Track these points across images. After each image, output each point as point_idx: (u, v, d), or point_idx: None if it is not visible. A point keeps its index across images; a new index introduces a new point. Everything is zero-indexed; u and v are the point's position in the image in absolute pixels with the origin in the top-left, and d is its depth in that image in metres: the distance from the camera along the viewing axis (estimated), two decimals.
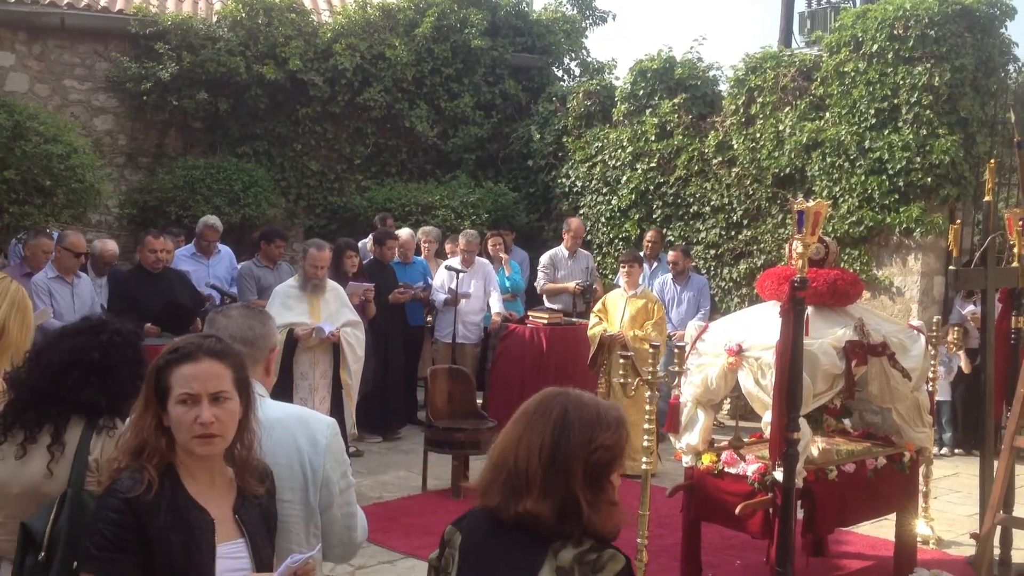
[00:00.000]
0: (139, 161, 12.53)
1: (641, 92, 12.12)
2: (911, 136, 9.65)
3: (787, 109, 10.70)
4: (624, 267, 8.97)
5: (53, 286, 7.73)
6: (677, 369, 6.07)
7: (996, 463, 5.54)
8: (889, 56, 9.84)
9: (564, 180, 12.89)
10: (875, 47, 9.91)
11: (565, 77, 15.10)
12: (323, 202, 13.27)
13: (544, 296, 10.77)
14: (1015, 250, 6.11)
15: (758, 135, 10.85)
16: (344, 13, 13.38)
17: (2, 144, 8.40)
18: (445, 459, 7.98)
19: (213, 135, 12.76)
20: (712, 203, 11.25)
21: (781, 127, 10.64)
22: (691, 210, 11.49)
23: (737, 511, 5.34)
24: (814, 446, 5.76)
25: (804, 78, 10.70)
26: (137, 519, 2.34)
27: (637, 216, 11.94)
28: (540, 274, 10.76)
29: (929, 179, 9.58)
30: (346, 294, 7.85)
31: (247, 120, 12.76)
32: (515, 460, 2.24)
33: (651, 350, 6.46)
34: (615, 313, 8.85)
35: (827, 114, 10.36)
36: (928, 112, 9.60)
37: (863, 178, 9.93)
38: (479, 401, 8.82)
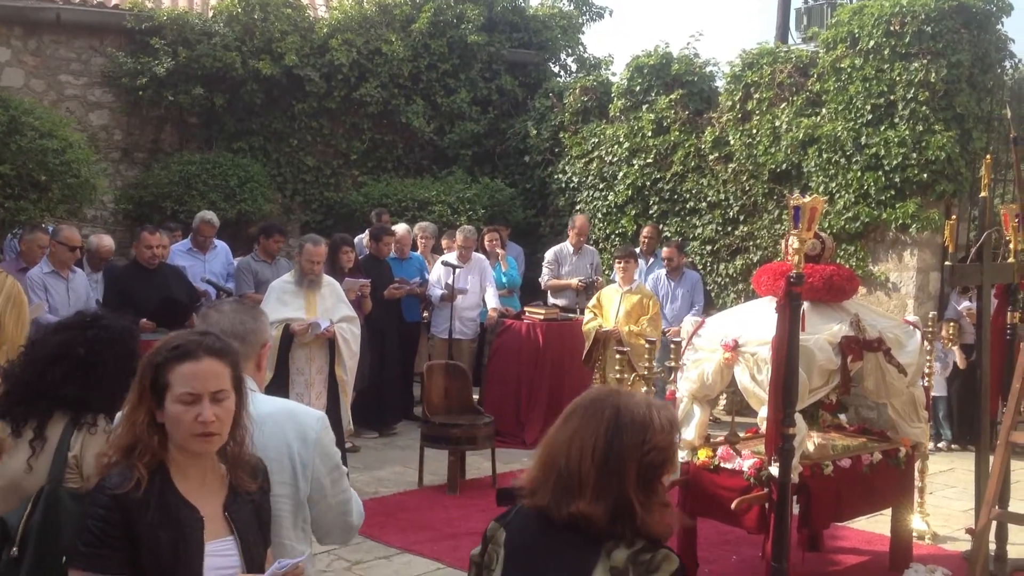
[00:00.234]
0: (135, 156, 12.50)
1: (638, 88, 12.11)
2: (907, 132, 9.65)
3: (783, 105, 10.70)
4: (619, 263, 8.98)
5: (48, 281, 7.71)
6: (673, 364, 6.08)
7: (991, 458, 5.55)
8: (885, 52, 9.84)
9: (561, 176, 12.88)
10: (871, 43, 9.91)
11: (562, 73, 15.10)
12: (319, 197, 13.26)
13: (548, 292, 10.78)
14: (1011, 246, 6.11)
15: (754, 131, 10.85)
16: (340, 8, 13.35)
17: None
18: (441, 455, 7.98)
19: (209, 130, 12.74)
20: (708, 199, 11.25)
21: (777, 123, 10.64)
22: (687, 206, 11.49)
23: (733, 506, 5.34)
24: (810, 441, 5.77)
25: (800, 74, 10.70)
26: (125, 515, 2.33)
27: (633, 212, 11.94)
28: (545, 270, 10.77)
29: (925, 175, 9.59)
30: (342, 290, 7.85)
31: (243, 115, 12.74)
32: (567, 460, 2.22)
33: (647, 345, 6.48)
34: (610, 309, 8.85)
35: (823, 110, 10.36)
36: (924, 108, 9.60)
37: (859, 174, 9.93)
38: (475, 397, 8.82)
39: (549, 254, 10.80)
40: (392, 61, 13.13)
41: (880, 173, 9.81)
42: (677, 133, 11.58)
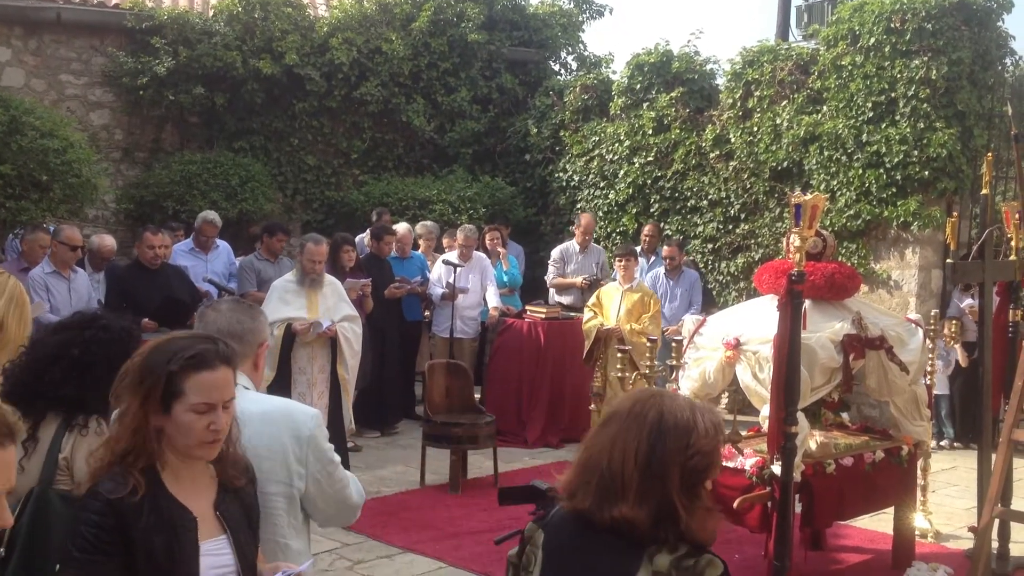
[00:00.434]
0: (136, 156, 12.50)
1: (638, 86, 12.10)
2: (908, 130, 9.65)
3: (784, 103, 10.69)
4: (620, 261, 8.97)
5: (50, 281, 7.71)
6: (675, 363, 6.07)
7: (994, 456, 5.55)
8: (886, 49, 9.83)
9: (561, 174, 12.88)
10: (872, 40, 9.91)
11: (562, 71, 15.10)
12: (320, 197, 13.26)
13: (552, 290, 10.78)
14: (1012, 243, 6.10)
15: (755, 129, 10.84)
16: (340, 7, 13.35)
17: None
18: (443, 454, 7.98)
19: (210, 130, 12.73)
20: (710, 197, 11.25)
21: (778, 121, 10.64)
22: (688, 204, 11.48)
23: (735, 505, 5.33)
24: (812, 440, 5.76)
25: (801, 72, 10.69)
26: (120, 521, 2.32)
27: (634, 210, 11.94)
28: (550, 268, 10.77)
29: (926, 172, 9.58)
30: (344, 289, 7.85)
31: (244, 115, 12.74)
32: (609, 463, 2.19)
33: (648, 344, 6.47)
34: (610, 307, 8.85)
35: (824, 108, 10.35)
36: (925, 105, 9.60)
37: (860, 171, 9.93)
38: (477, 396, 8.82)
39: (555, 252, 10.80)
40: (392, 60, 13.13)
41: (881, 170, 9.81)
42: (678, 131, 11.57)
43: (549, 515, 2.37)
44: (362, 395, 8.44)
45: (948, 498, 7.85)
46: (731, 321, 5.98)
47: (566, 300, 10.51)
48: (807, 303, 5.31)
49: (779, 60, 10.87)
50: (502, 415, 8.94)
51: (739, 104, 11.08)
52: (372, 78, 13.06)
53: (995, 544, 5.79)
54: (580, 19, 15.50)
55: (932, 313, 7.33)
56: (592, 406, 8.71)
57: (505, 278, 10.57)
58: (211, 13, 12.71)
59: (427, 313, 10.34)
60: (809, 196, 5.00)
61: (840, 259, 9.23)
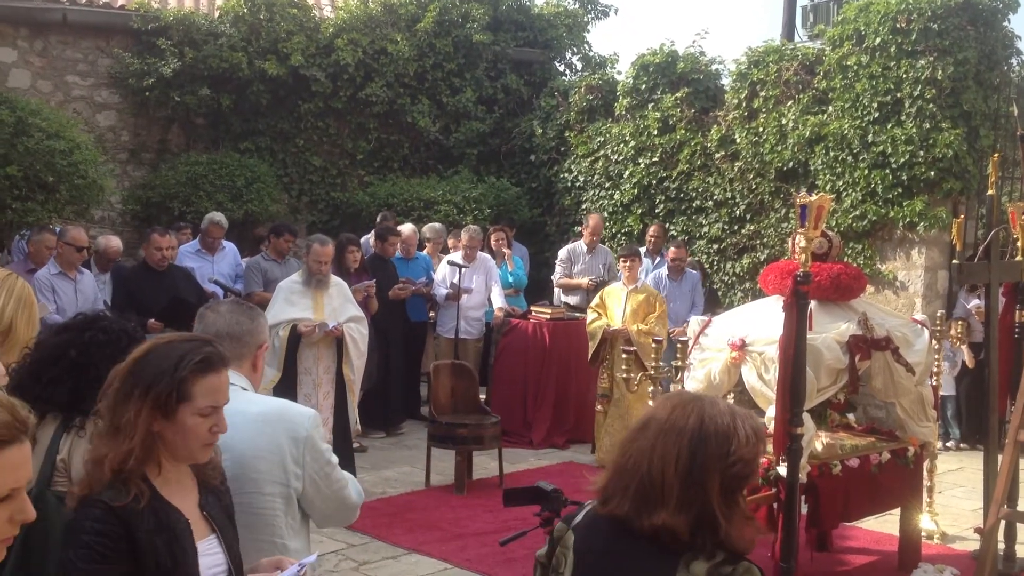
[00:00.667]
0: (142, 157, 12.53)
1: (643, 86, 12.10)
2: (914, 130, 9.63)
3: (790, 103, 10.68)
4: (625, 261, 8.96)
5: (56, 282, 7.73)
6: (680, 364, 6.07)
7: (1000, 457, 5.54)
8: (892, 50, 9.82)
9: (566, 175, 12.88)
10: (878, 40, 9.90)
11: (567, 72, 15.08)
12: (325, 197, 13.27)
13: (558, 290, 10.77)
14: (1019, 244, 6.10)
15: (761, 129, 10.83)
16: (346, 8, 13.36)
17: (4, 140, 8.40)
18: (448, 455, 7.98)
19: (215, 131, 12.76)
20: (715, 197, 11.24)
21: (784, 121, 10.63)
22: (694, 204, 11.48)
23: None
24: (818, 441, 5.75)
25: (807, 72, 10.68)
26: (125, 527, 2.30)
27: (639, 211, 11.93)
28: (557, 268, 10.76)
29: (932, 173, 9.57)
30: (350, 291, 7.85)
31: (249, 116, 12.76)
32: (648, 470, 2.16)
33: (654, 344, 6.47)
34: (615, 308, 8.83)
35: (830, 108, 10.34)
36: (931, 106, 9.58)
37: (866, 172, 9.92)
38: (482, 396, 8.82)
39: (563, 252, 10.79)
40: (398, 61, 13.14)
41: (887, 171, 9.79)
42: (683, 131, 11.57)
43: (578, 516, 2.35)
44: (367, 396, 8.44)
45: (954, 499, 7.84)
46: (736, 322, 5.98)
47: (572, 300, 10.51)
48: (813, 304, 5.31)
49: (784, 60, 10.86)
50: (507, 416, 8.93)
51: (744, 104, 11.07)
52: (377, 79, 13.07)
53: (1001, 545, 5.78)
54: (585, 19, 15.48)
55: (938, 314, 7.32)
56: (599, 407, 8.72)
57: (510, 279, 10.57)
58: (217, 14, 12.73)
59: (432, 314, 10.34)
60: (815, 197, 5.00)
61: (846, 260, 9.22)
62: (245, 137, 12.76)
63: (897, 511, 6.27)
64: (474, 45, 13.67)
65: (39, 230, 8.25)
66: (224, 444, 2.77)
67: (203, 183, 11.56)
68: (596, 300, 9.08)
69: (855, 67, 10.10)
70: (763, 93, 10.90)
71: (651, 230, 10.93)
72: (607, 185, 12.35)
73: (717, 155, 11.23)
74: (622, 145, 12.15)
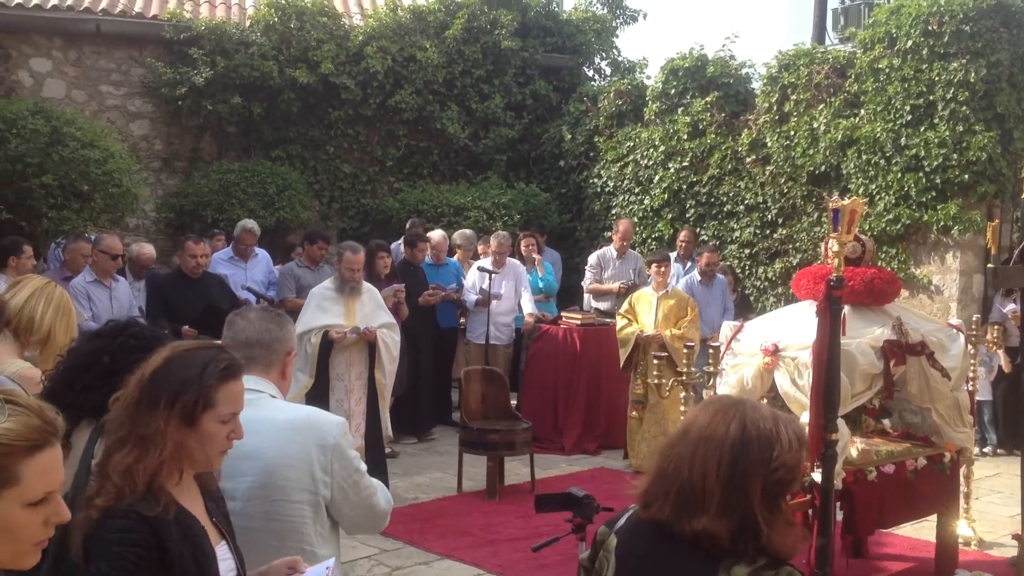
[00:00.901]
0: (175, 165, 12.66)
1: (673, 91, 12.07)
2: (947, 133, 9.55)
3: (821, 106, 10.62)
4: (656, 267, 8.93)
5: (91, 290, 7.81)
6: (712, 369, 6.04)
7: None
8: (924, 52, 9.74)
9: (596, 180, 12.87)
10: (910, 43, 9.82)
11: (596, 77, 15.09)
12: (356, 204, 13.34)
13: (588, 296, 10.76)
14: None
15: (792, 133, 10.77)
16: (375, 16, 13.44)
17: (40, 149, 8.51)
18: (480, 460, 7.99)
19: (247, 139, 12.86)
20: (746, 202, 11.19)
21: (815, 125, 10.56)
22: (725, 209, 11.43)
23: None
24: (853, 447, 5.71)
25: (838, 75, 10.62)
26: (156, 536, 2.30)
27: (670, 216, 11.90)
28: (587, 273, 10.74)
29: (966, 176, 9.48)
30: (381, 297, 7.88)
31: (280, 124, 12.86)
32: (689, 475, 2.15)
33: (685, 350, 6.44)
34: (646, 313, 8.80)
35: (862, 111, 10.27)
36: (964, 108, 9.50)
37: (899, 175, 9.84)
38: (513, 402, 8.82)
39: (592, 258, 10.77)
40: (427, 68, 13.19)
41: (920, 174, 9.71)
42: (713, 136, 11.53)
43: (621, 520, 2.34)
44: (397, 402, 8.47)
45: (991, 505, 7.75)
46: (769, 327, 5.94)
47: (602, 306, 10.48)
48: (846, 309, 5.26)
49: (815, 63, 10.80)
50: (538, 421, 8.93)
51: (775, 108, 11.02)
52: (407, 86, 13.13)
53: None
54: (614, 24, 15.48)
55: (974, 318, 7.24)
56: (634, 413, 8.66)
57: (540, 284, 10.57)
58: (248, 23, 12.84)
59: (462, 320, 10.36)
60: (847, 200, 4.96)
61: (880, 264, 9.15)
62: (276, 145, 12.86)
63: (933, 517, 6.21)
64: (503, 51, 13.70)
65: (74, 238, 8.34)
66: (253, 452, 2.79)
67: (235, 191, 11.66)
68: (625, 306, 9.05)
69: (887, 70, 10.02)
70: (794, 96, 10.85)
71: (682, 235, 10.89)
72: (637, 190, 12.32)
73: (748, 159, 11.18)
74: (652, 150, 12.12)
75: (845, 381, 5.17)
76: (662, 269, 8.86)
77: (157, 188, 12.38)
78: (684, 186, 11.78)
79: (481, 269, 9.76)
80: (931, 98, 9.72)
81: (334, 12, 13.22)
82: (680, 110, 11.95)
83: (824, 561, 5.08)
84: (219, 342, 2.69)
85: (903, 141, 9.81)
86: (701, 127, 11.69)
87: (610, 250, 10.73)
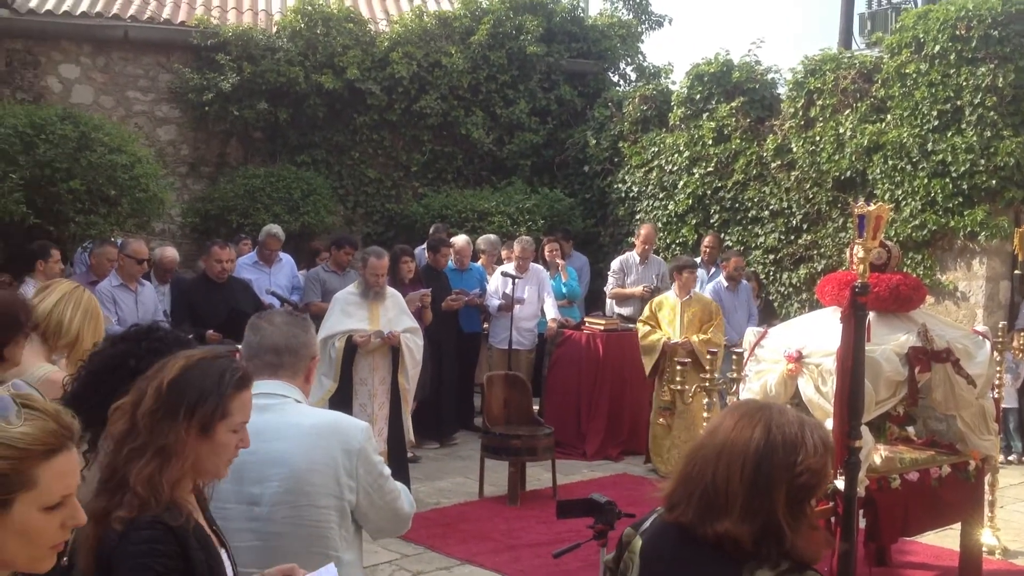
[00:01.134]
0: (201, 170, 12.76)
1: (698, 96, 12.05)
2: (975, 138, 9.47)
3: (847, 111, 10.56)
4: (680, 273, 8.90)
5: (117, 294, 7.88)
6: (736, 376, 6.02)
7: None
8: (951, 57, 9.67)
9: (620, 185, 12.85)
10: (937, 48, 9.75)
11: (621, 82, 15.08)
12: (380, 209, 13.40)
13: (612, 301, 10.74)
14: None
15: (818, 138, 10.72)
16: (401, 22, 13.50)
17: (68, 155, 8.60)
18: (502, 465, 7.99)
19: (273, 144, 12.94)
20: (771, 207, 11.15)
21: (841, 130, 10.51)
22: (749, 214, 11.39)
23: None
24: (877, 454, 5.67)
25: (865, 80, 10.56)
26: (180, 547, 2.30)
27: (694, 221, 11.87)
28: (610, 279, 10.72)
29: (994, 181, 9.40)
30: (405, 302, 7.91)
31: (306, 129, 12.93)
32: (713, 478, 2.15)
33: (708, 356, 6.42)
34: (670, 320, 8.78)
35: (888, 116, 10.21)
36: (992, 113, 9.42)
37: (926, 181, 9.77)
38: (535, 407, 8.82)
39: (615, 263, 10.75)
40: (452, 73, 13.23)
41: (947, 180, 9.64)
42: (738, 141, 11.50)
43: (646, 522, 2.35)
44: (420, 407, 8.49)
45: (1016, 514, 7.67)
46: (793, 333, 5.91)
47: (625, 311, 10.45)
48: (871, 315, 5.23)
49: (842, 68, 10.75)
50: (561, 427, 8.92)
51: (801, 113, 10.97)
52: (432, 91, 13.18)
53: None
54: (639, 30, 15.47)
55: (1000, 325, 7.18)
56: (661, 420, 8.61)
57: (563, 289, 10.56)
58: (274, 29, 12.93)
59: (485, 325, 10.37)
60: (873, 206, 4.93)
61: (905, 270, 9.09)
62: (302, 150, 12.93)
63: (958, 526, 6.15)
64: (528, 57, 13.73)
65: (101, 243, 8.43)
66: (280, 457, 2.81)
67: (261, 196, 11.74)
68: (646, 312, 9.01)
69: (914, 75, 9.96)
70: (820, 102, 10.80)
71: (706, 240, 10.86)
72: (661, 196, 12.30)
73: (773, 164, 11.13)
74: (676, 155, 12.10)
75: (869, 388, 5.14)
76: (688, 276, 8.83)
77: (183, 193, 12.49)
78: (708, 191, 11.75)
79: (504, 274, 9.77)
80: (958, 103, 9.64)
81: (360, 18, 13.30)
82: (705, 115, 11.92)
83: (847, 569, 5.05)
84: (225, 348, 2.68)
85: (930, 146, 9.74)
86: (726, 132, 11.66)
87: (633, 255, 10.71)
